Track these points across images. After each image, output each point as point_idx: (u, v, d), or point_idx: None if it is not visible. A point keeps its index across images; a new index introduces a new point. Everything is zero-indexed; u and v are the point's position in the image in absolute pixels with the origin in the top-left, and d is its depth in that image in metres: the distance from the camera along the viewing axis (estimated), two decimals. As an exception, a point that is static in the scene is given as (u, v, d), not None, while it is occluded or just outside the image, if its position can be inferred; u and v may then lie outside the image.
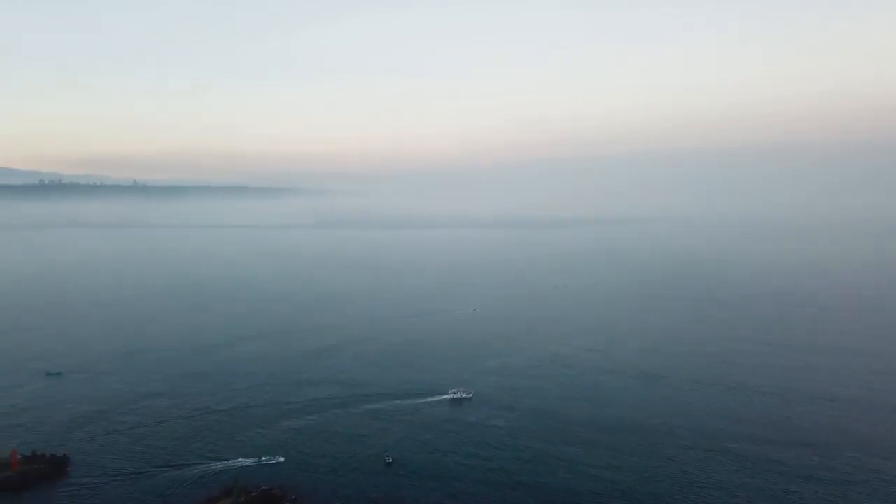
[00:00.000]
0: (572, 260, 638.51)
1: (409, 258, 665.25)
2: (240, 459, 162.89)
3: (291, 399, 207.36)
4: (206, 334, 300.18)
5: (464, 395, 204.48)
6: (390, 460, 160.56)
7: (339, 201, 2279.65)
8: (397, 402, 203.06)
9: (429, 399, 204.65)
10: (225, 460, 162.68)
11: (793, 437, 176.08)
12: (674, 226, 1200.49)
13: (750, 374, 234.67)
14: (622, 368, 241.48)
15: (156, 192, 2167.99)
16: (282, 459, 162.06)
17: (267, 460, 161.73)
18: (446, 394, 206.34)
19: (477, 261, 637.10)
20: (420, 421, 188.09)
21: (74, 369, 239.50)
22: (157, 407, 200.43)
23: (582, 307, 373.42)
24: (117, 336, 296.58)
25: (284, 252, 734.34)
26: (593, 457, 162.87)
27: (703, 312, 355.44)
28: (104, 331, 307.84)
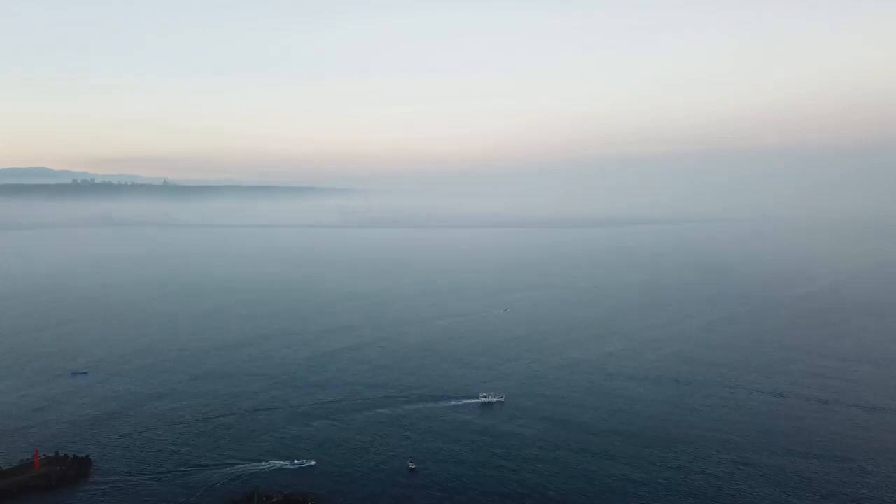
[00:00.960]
0: (597, 260, 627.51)
1: (435, 258, 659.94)
2: (273, 461, 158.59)
3: (316, 400, 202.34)
4: (233, 333, 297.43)
5: (495, 399, 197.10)
6: (413, 466, 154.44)
7: (362, 200, 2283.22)
8: (426, 404, 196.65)
9: (459, 402, 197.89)
10: (257, 462, 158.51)
11: (828, 449, 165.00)
12: (693, 226, 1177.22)
13: (782, 380, 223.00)
14: (653, 374, 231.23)
15: (185, 191, 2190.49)
16: (313, 463, 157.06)
17: (299, 463, 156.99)
18: (477, 397, 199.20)
19: (501, 260, 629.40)
20: (447, 425, 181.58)
21: (100, 368, 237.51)
22: (182, 407, 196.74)
23: (612, 308, 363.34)
24: (144, 335, 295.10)
25: (309, 251, 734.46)
26: (621, 469, 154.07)
27: (730, 314, 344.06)
28: (131, 330, 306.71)
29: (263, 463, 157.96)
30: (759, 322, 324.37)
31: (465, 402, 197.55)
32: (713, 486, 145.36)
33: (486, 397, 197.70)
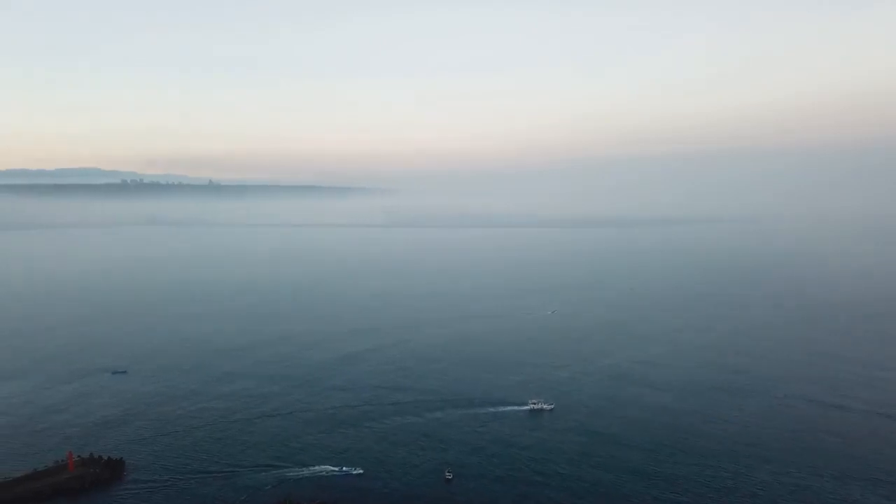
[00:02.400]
0: (638, 260, 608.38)
1: (478, 257, 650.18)
2: (321, 466, 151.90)
3: (354, 403, 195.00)
4: (272, 334, 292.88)
5: (545, 407, 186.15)
6: (450, 476, 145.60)
7: (406, 200, 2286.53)
8: (471, 410, 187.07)
9: (506, 408, 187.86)
10: (301, 467, 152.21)
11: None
12: (731, 226, 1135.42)
13: (835, 391, 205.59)
14: (699, 383, 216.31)
15: (230, 191, 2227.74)
16: (361, 471, 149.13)
17: (348, 470, 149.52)
18: (525, 404, 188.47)
19: (545, 260, 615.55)
20: (491, 433, 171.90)
21: (139, 368, 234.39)
22: (218, 408, 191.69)
23: (649, 310, 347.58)
24: (185, 334, 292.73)
25: (352, 251, 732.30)
26: (668, 493, 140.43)
27: (770, 317, 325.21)
28: (173, 329, 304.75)
29: (299, 468, 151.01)
30: (801, 326, 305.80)
31: (511, 408, 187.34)
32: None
33: (534, 404, 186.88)
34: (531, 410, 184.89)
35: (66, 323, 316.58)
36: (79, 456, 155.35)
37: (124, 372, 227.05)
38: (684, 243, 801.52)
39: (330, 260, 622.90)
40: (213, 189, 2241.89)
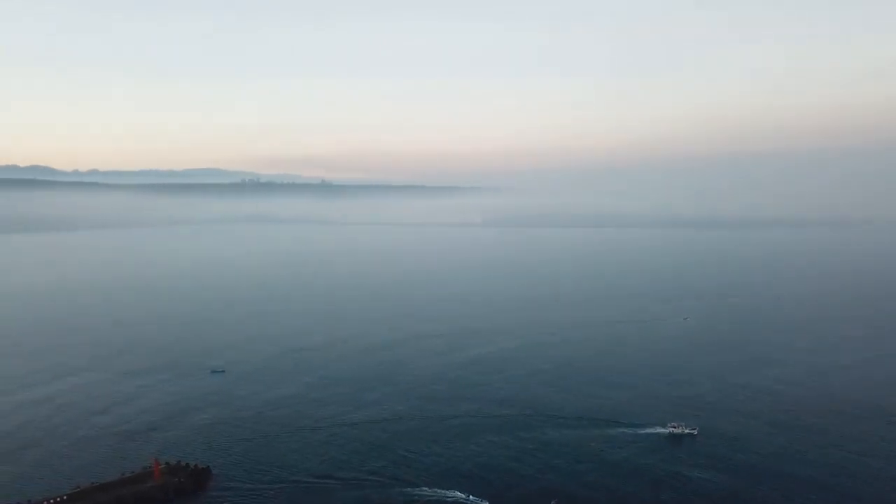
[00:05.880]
0: (782, 264, 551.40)
1: (598, 258, 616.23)
2: (455, 493, 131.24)
3: (458, 414, 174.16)
4: (373, 334, 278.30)
5: (686, 431, 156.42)
6: None
7: (514, 199, 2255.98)
8: (593, 431, 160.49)
9: (635, 431, 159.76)
10: (431, 488, 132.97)
11: None
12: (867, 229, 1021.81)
13: None
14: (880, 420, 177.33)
15: (341, 190, 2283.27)
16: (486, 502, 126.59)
17: (476, 501, 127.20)
18: (663, 427, 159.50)
19: (668, 262, 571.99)
20: (614, 460, 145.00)
21: (239, 367, 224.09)
22: (315, 414, 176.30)
23: (807, 322, 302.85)
24: (288, 332, 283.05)
25: (457, 250, 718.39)
26: None
27: None
28: (277, 327, 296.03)
29: (414, 489, 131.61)
30: None
31: (643, 431, 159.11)
32: None
33: (674, 428, 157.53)
34: (670, 435, 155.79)
35: (177, 317, 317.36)
36: (166, 463, 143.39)
37: (222, 371, 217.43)
38: (831, 246, 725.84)
39: (435, 259, 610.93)
40: (324, 188, 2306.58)
